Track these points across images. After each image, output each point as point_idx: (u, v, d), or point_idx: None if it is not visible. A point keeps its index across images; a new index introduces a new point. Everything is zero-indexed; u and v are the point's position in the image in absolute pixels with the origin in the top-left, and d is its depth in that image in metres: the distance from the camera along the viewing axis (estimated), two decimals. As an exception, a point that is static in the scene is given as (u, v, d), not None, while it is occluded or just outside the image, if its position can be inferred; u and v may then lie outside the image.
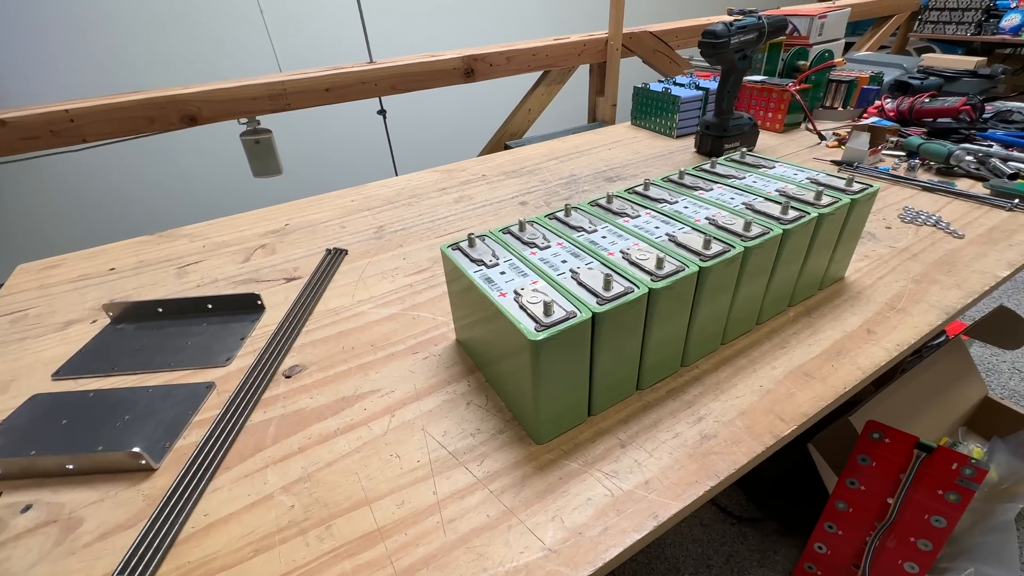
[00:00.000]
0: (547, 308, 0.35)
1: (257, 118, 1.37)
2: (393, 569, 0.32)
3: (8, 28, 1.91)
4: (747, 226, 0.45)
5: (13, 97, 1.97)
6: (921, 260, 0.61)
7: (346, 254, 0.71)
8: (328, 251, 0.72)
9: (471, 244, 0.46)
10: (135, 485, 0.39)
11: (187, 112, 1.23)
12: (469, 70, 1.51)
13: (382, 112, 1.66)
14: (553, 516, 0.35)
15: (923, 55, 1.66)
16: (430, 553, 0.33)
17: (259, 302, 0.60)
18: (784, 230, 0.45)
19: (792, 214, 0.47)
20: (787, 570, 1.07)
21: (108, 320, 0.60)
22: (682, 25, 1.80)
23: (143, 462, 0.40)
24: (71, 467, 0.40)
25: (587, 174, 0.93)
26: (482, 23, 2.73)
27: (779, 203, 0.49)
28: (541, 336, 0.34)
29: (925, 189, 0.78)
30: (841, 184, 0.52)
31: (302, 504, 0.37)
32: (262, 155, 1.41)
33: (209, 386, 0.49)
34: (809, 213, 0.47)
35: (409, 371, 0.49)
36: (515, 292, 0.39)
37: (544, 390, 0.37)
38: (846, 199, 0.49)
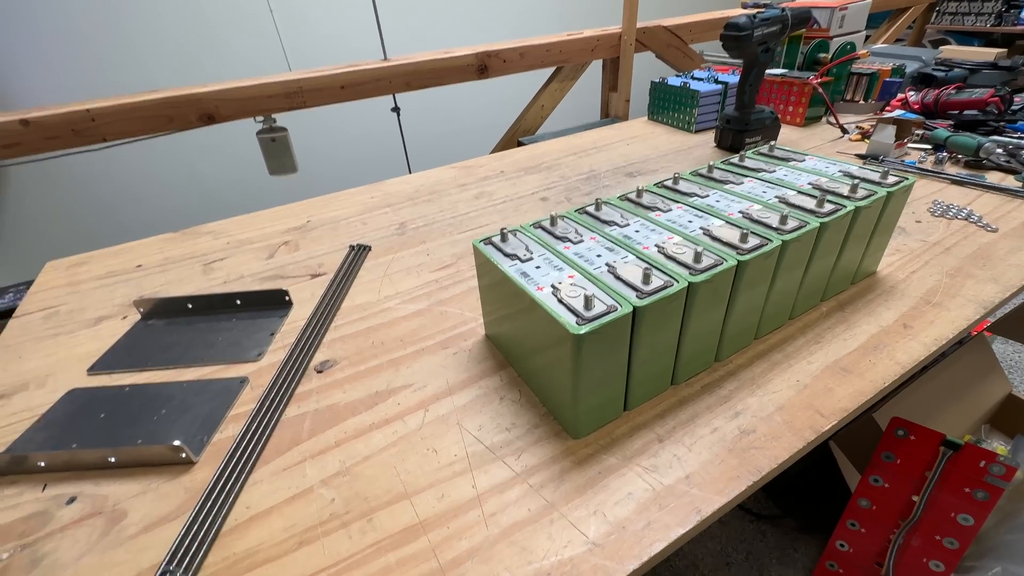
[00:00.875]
0: (588, 302, 0.35)
1: (273, 116, 1.38)
2: (438, 562, 0.32)
3: (17, 31, 1.94)
4: (783, 219, 0.44)
5: (24, 99, 1.99)
6: (954, 254, 0.60)
7: (370, 250, 0.71)
8: (352, 247, 0.72)
9: (503, 239, 0.46)
10: (176, 478, 0.40)
11: (205, 111, 1.24)
12: (483, 66, 1.51)
13: (396, 109, 1.66)
14: (595, 510, 0.35)
15: (940, 47, 1.64)
16: (473, 546, 0.33)
17: (287, 298, 0.60)
18: (821, 223, 0.44)
19: (828, 207, 0.46)
20: (807, 568, 1.06)
21: (138, 316, 0.60)
22: (696, 19, 1.78)
23: (184, 455, 0.40)
24: (113, 460, 0.40)
25: (606, 170, 0.93)
26: (495, 19, 2.72)
27: (813, 196, 0.48)
28: (584, 330, 0.34)
29: (954, 182, 0.76)
30: (875, 177, 0.52)
31: (342, 497, 0.37)
32: (278, 153, 1.41)
33: (243, 381, 0.49)
34: (845, 206, 0.46)
35: (440, 366, 0.49)
36: (552, 286, 0.39)
37: (583, 384, 0.37)
38: (882, 191, 0.49)
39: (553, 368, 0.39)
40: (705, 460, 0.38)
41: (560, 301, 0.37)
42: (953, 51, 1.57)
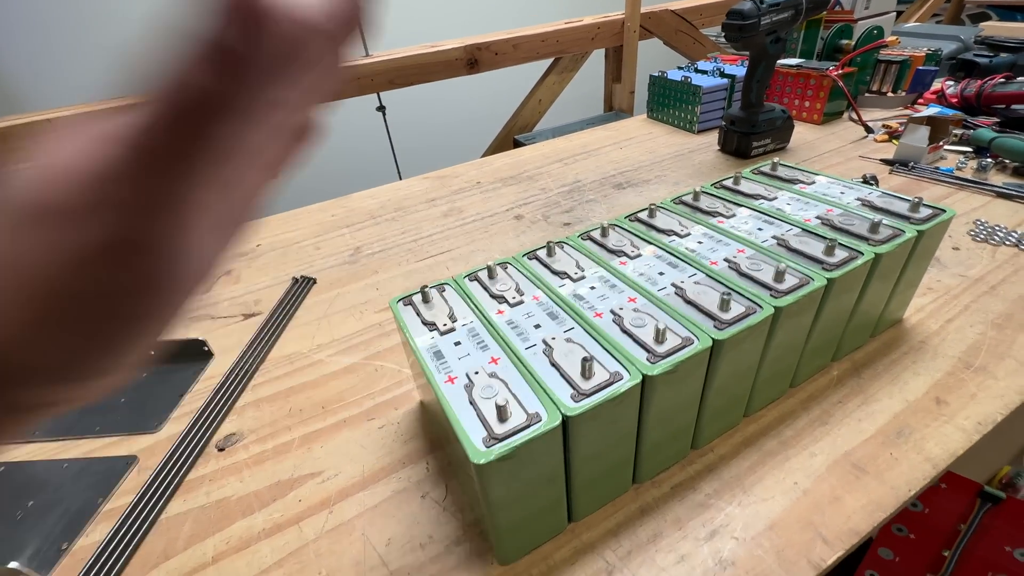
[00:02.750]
0: (501, 412, 0.26)
1: (249, 120, 1.30)
2: None
3: (31, 31, 1.90)
4: (779, 276, 0.34)
5: (38, 102, 1.97)
6: (1002, 295, 0.49)
7: (315, 283, 0.63)
8: (295, 280, 0.64)
9: (425, 299, 0.37)
10: (16, 604, 0.33)
11: (174, 117, 1.17)
12: (472, 60, 1.40)
13: (381, 108, 1.57)
14: None
15: (980, 24, 1.46)
16: None
17: (206, 348, 0.52)
18: (828, 279, 0.34)
19: (839, 255, 0.36)
20: (821, 615, 0.96)
21: (45, 368, 0.53)
22: (707, 1, 1.64)
23: (24, 577, 0.33)
24: (-56, 580, 0.33)
25: (593, 180, 0.83)
26: (486, 7, 2.59)
27: (822, 238, 0.38)
28: (485, 459, 0.25)
29: (1001, 195, 0.64)
30: (903, 208, 0.41)
31: (199, 647, 0.29)
32: (256, 159, 1.34)
33: (130, 461, 0.42)
34: (862, 254, 0.36)
35: (360, 446, 0.41)
36: (468, 377, 0.30)
37: (500, 511, 0.28)
38: (911, 231, 0.38)
39: (471, 478, 0.30)
40: (664, 609, 0.29)
41: (471, 402, 0.28)
42: (996, 27, 1.40)
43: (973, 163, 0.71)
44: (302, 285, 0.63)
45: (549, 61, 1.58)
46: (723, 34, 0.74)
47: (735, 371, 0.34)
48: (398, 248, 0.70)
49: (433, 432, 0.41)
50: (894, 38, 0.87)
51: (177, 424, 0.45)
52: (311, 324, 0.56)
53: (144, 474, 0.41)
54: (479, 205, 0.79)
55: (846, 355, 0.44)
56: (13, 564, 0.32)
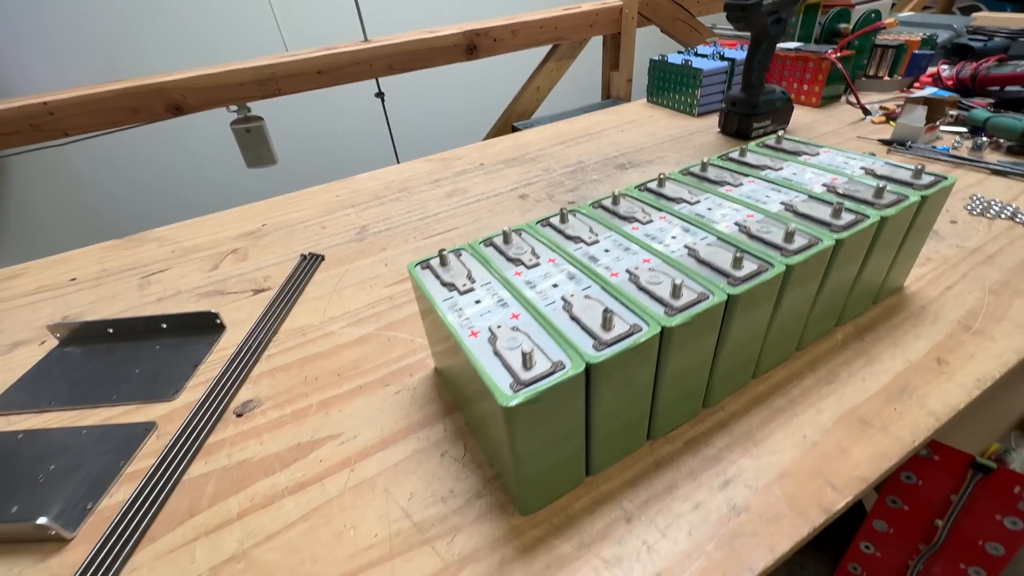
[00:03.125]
0: (526, 359, 0.27)
1: (247, 105, 1.30)
2: None
3: (20, 18, 1.86)
4: (788, 236, 0.35)
5: (28, 89, 1.93)
6: (998, 264, 0.50)
7: (323, 260, 0.64)
8: (303, 256, 0.64)
9: (443, 262, 0.38)
10: (45, 560, 0.33)
11: (171, 101, 1.16)
12: (471, 46, 1.40)
13: (380, 95, 1.57)
14: (536, 623, 0.27)
15: (972, 14, 1.48)
16: (378, 674, 0.26)
17: (218, 321, 0.53)
18: (836, 240, 0.35)
19: (846, 218, 0.37)
20: (817, 588, 0.99)
21: (56, 342, 0.54)
22: (705, -11, 1.64)
23: (53, 533, 0.33)
24: (-28, 537, 0.34)
25: (596, 161, 0.83)
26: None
27: (828, 203, 0.39)
28: (515, 400, 0.26)
29: (996, 172, 0.66)
30: (906, 176, 0.42)
31: (231, 594, 0.30)
32: (254, 145, 1.34)
33: (149, 427, 0.42)
34: (868, 217, 0.37)
35: (377, 410, 0.42)
36: (490, 331, 0.31)
37: (525, 459, 0.29)
38: (915, 196, 0.39)
39: (494, 429, 0.31)
40: (682, 551, 0.30)
41: (496, 353, 0.29)
42: (987, 18, 1.42)
43: (968, 142, 0.73)
44: (310, 261, 0.63)
45: (547, 48, 1.58)
46: (719, 21, 0.75)
47: (747, 329, 0.35)
48: (404, 227, 0.70)
49: (449, 397, 0.42)
50: (892, 20, 0.89)
51: (193, 392, 0.45)
52: (321, 298, 0.57)
53: (163, 439, 0.41)
54: (483, 185, 0.79)
55: (849, 320, 0.45)
56: (42, 520, 0.33)
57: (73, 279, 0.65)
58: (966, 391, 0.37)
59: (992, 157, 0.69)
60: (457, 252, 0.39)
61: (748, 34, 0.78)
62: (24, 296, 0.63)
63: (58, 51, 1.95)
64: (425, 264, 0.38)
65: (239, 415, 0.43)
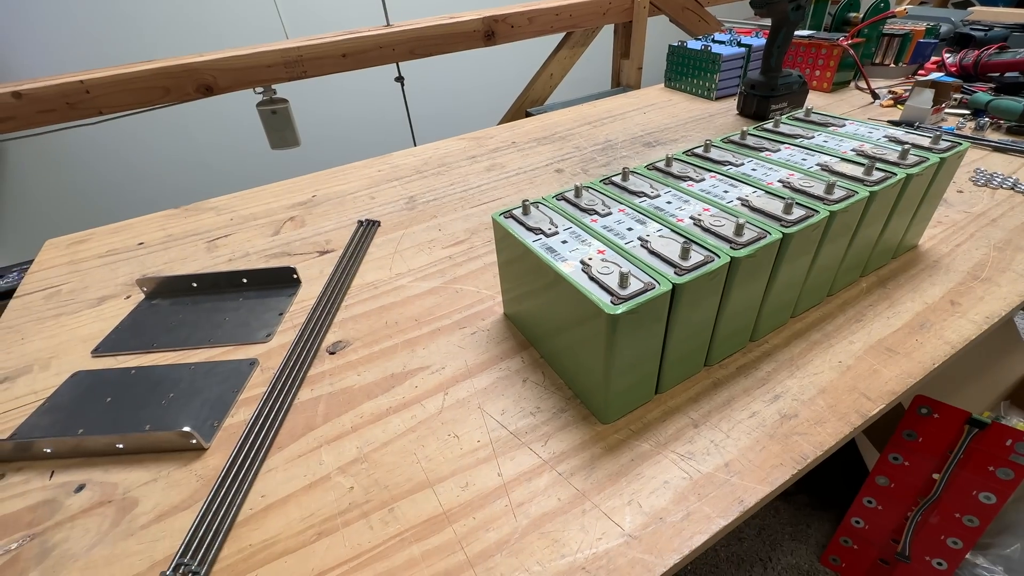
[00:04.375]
0: (623, 279, 0.32)
1: (273, 87, 1.33)
2: (465, 555, 0.31)
3: (10, 4, 1.86)
4: (829, 188, 0.41)
5: (17, 72, 1.94)
6: (1001, 226, 0.56)
7: (379, 225, 0.68)
8: (360, 223, 0.69)
9: (525, 211, 0.43)
10: (187, 465, 0.38)
11: (202, 81, 1.19)
12: (490, 32, 1.44)
13: (400, 79, 1.60)
14: (629, 500, 0.33)
15: (969, 8, 1.54)
16: (502, 538, 0.31)
17: (295, 276, 0.57)
18: (871, 192, 0.41)
19: (877, 175, 0.43)
20: (820, 544, 1.06)
21: (142, 295, 0.58)
22: (714, -21, 1.69)
23: (194, 441, 0.38)
24: (121, 446, 0.39)
25: (623, 139, 0.89)
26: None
27: (860, 163, 0.45)
28: (620, 309, 0.31)
29: (997, 149, 0.72)
30: (925, 142, 0.48)
31: (361, 486, 0.35)
32: (279, 126, 1.37)
33: (252, 363, 0.47)
34: (896, 174, 0.43)
35: (458, 347, 0.47)
36: (581, 262, 0.36)
37: (616, 367, 0.34)
38: (934, 158, 0.45)
39: (582, 349, 0.36)
40: (744, 447, 0.35)
41: (592, 279, 0.34)
42: (984, 12, 1.48)
43: (972, 123, 0.79)
44: (367, 227, 0.68)
45: (561, 36, 1.62)
46: (728, 15, 0.80)
47: (793, 268, 0.40)
48: (450, 197, 0.75)
49: (521, 336, 0.47)
50: (903, 9, 0.94)
51: (285, 336, 0.50)
52: (385, 258, 0.61)
53: (268, 372, 0.46)
54: (519, 161, 0.84)
55: (872, 271, 0.51)
56: (186, 428, 0.38)
57: (141, 243, 0.70)
58: (976, 326, 0.43)
59: (993, 136, 0.75)
60: (535, 204, 0.44)
61: (756, 23, 0.83)
62: (98, 258, 0.67)
63: (54, 36, 1.95)
64: (508, 214, 0.43)
65: (332, 352, 0.48)
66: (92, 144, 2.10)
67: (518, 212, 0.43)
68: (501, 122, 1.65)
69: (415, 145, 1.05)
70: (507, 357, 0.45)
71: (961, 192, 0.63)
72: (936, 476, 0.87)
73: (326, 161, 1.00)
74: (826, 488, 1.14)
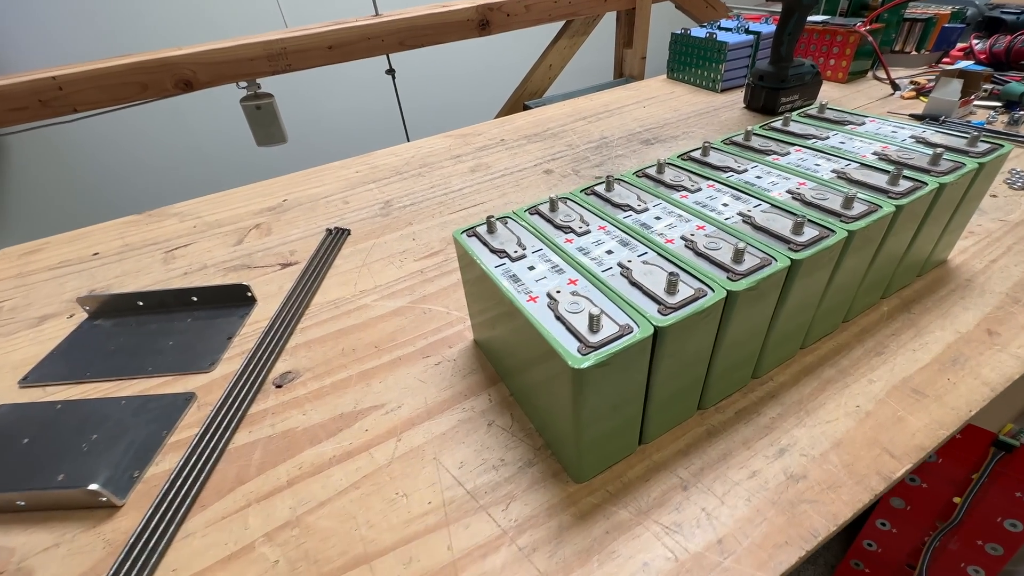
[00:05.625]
0: (594, 321, 0.27)
1: (257, 81, 1.27)
2: (398, 659, 0.25)
3: None
4: (847, 202, 0.34)
5: (14, 66, 1.90)
6: (1043, 237, 0.49)
7: (349, 234, 0.63)
8: (329, 231, 0.63)
9: (491, 229, 0.37)
10: (96, 526, 0.33)
11: (181, 76, 1.14)
12: (484, 21, 1.37)
13: (391, 72, 1.54)
14: (600, 587, 0.27)
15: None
16: (445, 635, 0.26)
17: (249, 294, 0.52)
18: (897, 206, 0.34)
19: (904, 185, 0.36)
20: (831, 565, 1.00)
21: (85, 315, 0.53)
22: (722, -38, 1.60)
23: (104, 499, 0.33)
24: (22, 503, 0.34)
25: (619, 136, 0.82)
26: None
27: (884, 171, 0.38)
28: (587, 363, 0.25)
29: (1034, 147, 0.65)
30: (960, 144, 0.41)
31: (288, 559, 0.30)
32: (264, 122, 1.31)
33: (189, 397, 0.42)
34: (927, 184, 0.36)
35: (419, 380, 0.41)
36: (549, 296, 0.30)
37: (587, 421, 0.29)
38: (972, 163, 0.38)
39: (550, 397, 0.31)
40: (742, 517, 0.30)
41: (559, 318, 0.28)
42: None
43: (1004, 117, 0.71)
44: (336, 236, 0.62)
45: (560, 25, 1.55)
46: (736, 1, 0.72)
47: (804, 296, 0.34)
48: (429, 201, 0.69)
49: (491, 367, 0.42)
50: (926, -9, 0.86)
51: (230, 364, 0.45)
52: (351, 272, 0.56)
53: (205, 409, 0.41)
54: (506, 161, 0.78)
55: (895, 292, 0.45)
56: (93, 486, 0.33)
57: (96, 253, 0.65)
58: (1021, 362, 0.37)
59: (1029, 131, 0.68)
60: (503, 219, 0.38)
61: (767, 9, 0.76)
62: (48, 270, 0.62)
63: (52, 30, 1.91)
64: (471, 232, 0.37)
65: (278, 386, 0.42)
66: (73, 142, 2.06)
67: (482, 229, 0.37)
68: (498, 115, 1.59)
69: (408, 140, 0.99)
70: (473, 394, 0.39)
71: (995, 196, 0.56)
72: (957, 500, 0.80)
73: (315, 158, 0.95)
74: (836, 504, 1.07)
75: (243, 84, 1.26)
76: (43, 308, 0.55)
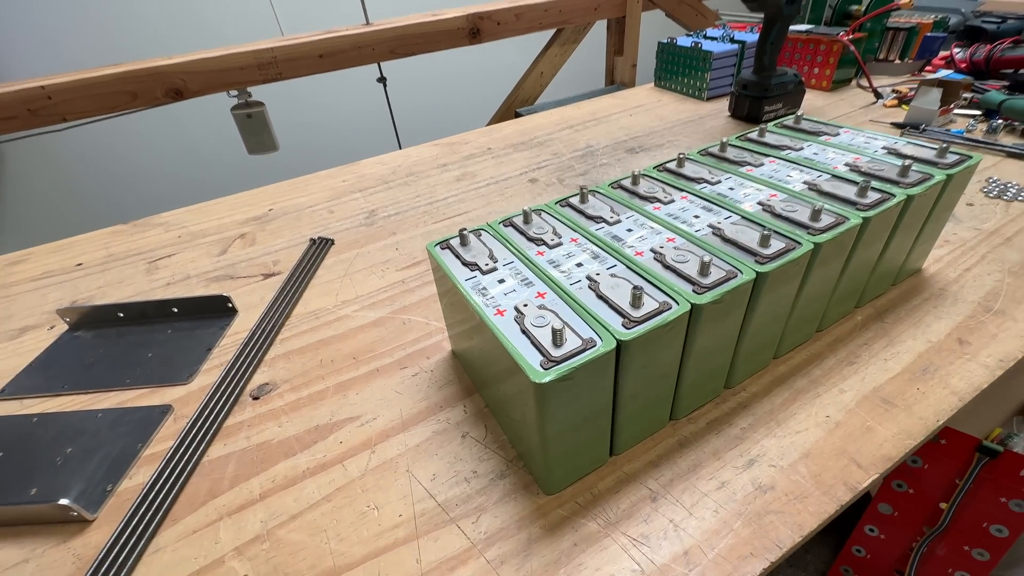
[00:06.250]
0: (557, 336, 0.27)
1: (248, 90, 1.28)
2: (361, 675, 0.25)
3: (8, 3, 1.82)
4: (815, 215, 0.35)
5: (20, 72, 1.90)
6: (1017, 246, 0.50)
7: (332, 244, 0.63)
8: (312, 241, 0.64)
9: (463, 242, 0.37)
10: (67, 541, 0.33)
11: (171, 85, 1.14)
12: (475, 30, 1.38)
13: (382, 80, 1.55)
14: (566, 600, 0.27)
15: (981, -1, 1.46)
16: (409, 651, 0.26)
17: (230, 304, 0.52)
18: (864, 218, 0.35)
19: (872, 196, 0.37)
20: (820, 571, 1.00)
21: (65, 326, 0.53)
22: (711, -29, 1.62)
23: (75, 514, 0.33)
24: (-7, 519, 0.34)
25: (605, 145, 0.83)
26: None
27: (853, 182, 0.39)
28: (548, 377, 0.25)
29: (1012, 155, 0.65)
30: (930, 155, 0.42)
31: (258, 574, 0.30)
32: (256, 130, 1.32)
33: (165, 410, 0.42)
34: (894, 195, 0.37)
35: (395, 392, 0.41)
36: (516, 309, 0.30)
37: (553, 434, 0.29)
38: (940, 175, 0.39)
39: (518, 409, 0.31)
40: (709, 528, 0.30)
41: (524, 331, 0.29)
42: (995, 3, 1.40)
43: (983, 125, 0.72)
44: (320, 246, 0.63)
45: (551, 33, 1.56)
46: (722, 6, 0.73)
47: (772, 308, 0.35)
48: (413, 211, 0.69)
49: (467, 379, 0.42)
50: (907, 0, 0.87)
51: (208, 376, 0.45)
52: (333, 282, 0.56)
53: (180, 422, 0.41)
54: (492, 170, 0.79)
55: (868, 302, 0.45)
56: (64, 501, 0.33)
57: (79, 264, 0.65)
58: (989, 371, 0.37)
59: (1007, 139, 0.69)
60: (477, 232, 0.39)
61: (756, 17, 0.77)
62: (30, 281, 0.62)
63: (50, 35, 1.92)
64: (445, 244, 0.38)
65: (255, 398, 0.42)
66: (63, 151, 2.06)
67: (455, 242, 0.38)
68: (490, 123, 1.59)
69: (400, 148, 0.99)
70: (448, 406, 0.40)
71: (971, 205, 0.57)
72: (944, 505, 0.81)
73: (307, 167, 0.95)
74: (826, 510, 1.08)
75: (234, 93, 1.26)
76: (24, 320, 0.55)
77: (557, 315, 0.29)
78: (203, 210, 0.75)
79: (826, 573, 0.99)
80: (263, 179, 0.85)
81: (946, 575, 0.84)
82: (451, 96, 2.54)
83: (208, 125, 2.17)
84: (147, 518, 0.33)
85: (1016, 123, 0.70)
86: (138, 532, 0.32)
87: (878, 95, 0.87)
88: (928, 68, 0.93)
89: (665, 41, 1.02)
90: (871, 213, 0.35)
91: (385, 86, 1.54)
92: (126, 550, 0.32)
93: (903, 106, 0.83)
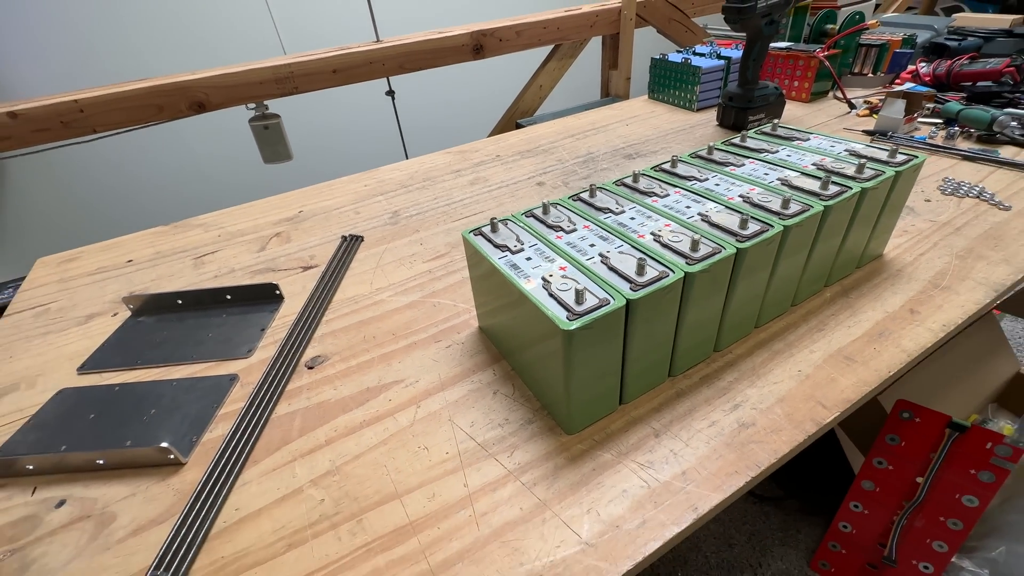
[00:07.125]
0: (579, 296, 0.34)
1: (265, 103, 1.35)
2: (428, 564, 0.32)
3: (8, 17, 1.89)
4: (785, 203, 0.42)
5: (14, 91, 1.97)
6: (964, 234, 0.58)
7: (362, 240, 0.70)
8: (344, 238, 0.71)
9: (494, 229, 0.44)
10: (165, 479, 0.39)
11: (195, 99, 1.22)
12: (478, 46, 1.46)
13: (391, 93, 1.63)
14: (588, 509, 0.34)
15: (953, 15, 1.57)
16: (464, 547, 0.32)
17: (277, 292, 0.59)
18: (825, 207, 0.42)
19: (832, 189, 0.44)
20: (810, 548, 1.07)
21: (128, 313, 0.59)
22: (699, -9, 1.72)
23: (172, 456, 0.40)
24: (101, 462, 0.40)
25: (605, 152, 0.90)
26: (490, -3, 2.65)
27: (817, 178, 0.46)
28: (574, 325, 0.32)
29: (966, 158, 0.74)
30: (883, 155, 0.49)
31: (332, 498, 0.36)
32: (272, 141, 1.39)
33: (232, 378, 0.48)
34: (851, 188, 0.44)
35: (433, 360, 0.48)
36: (543, 279, 0.37)
37: (576, 380, 0.36)
38: (890, 172, 0.46)
39: (545, 363, 0.38)
40: (702, 455, 0.37)
41: (551, 295, 0.36)
42: (968, 19, 1.51)
43: (943, 132, 0.81)
44: (351, 242, 0.69)
45: (550, 48, 1.65)
46: (711, 22, 0.82)
47: (752, 281, 0.42)
48: (433, 211, 0.76)
49: (495, 349, 0.49)
50: (875, 21, 0.96)
51: (265, 351, 0.52)
52: (367, 273, 0.63)
53: (247, 387, 0.47)
54: (502, 174, 0.86)
55: (836, 281, 0.52)
56: (164, 443, 0.39)
57: (130, 260, 0.71)
58: (933, 333, 0.45)
59: (963, 145, 0.77)
60: (504, 221, 0.46)
61: (742, 35, 0.85)
62: (87, 275, 0.69)
63: (46, 53, 1.98)
64: (477, 231, 0.45)
65: (310, 367, 0.49)
66: (89, 160, 2.13)
67: (487, 229, 0.45)
68: (491, 134, 1.68)
69: (407, 158, 1.07)
70: (479, 370, 0.46)
71: (929, 201, 0.65)
72: (920, 480, 0.88)
73: (319, 174, 1.02)
74: (815, 493, 1.14)
75: (251, 105, 1.34)
76: (88, 308, 0.62)
77: (577, 282, 0.36)
78: (237, 213, 0.82)
79: (815, 550, 1.05)
80: (275, 189, 0.91)
81: (924, 545, 0.90)
82: (455, 108, 2.64)
83: (218, 134, 2.24)
84: (232, 459, 0.40)
85: (972, 130, 0.79)
86: (227, 470, 0.39)
87: (852, 105, 0.96)
88: (897, 81, 1.02)
89: (658, 57, 1.10)
90: (831, 202, 0.43)
91: (393, 99, 1.62)
92: (220, 483, 0.38)
93: (874, 115, 0.91)
